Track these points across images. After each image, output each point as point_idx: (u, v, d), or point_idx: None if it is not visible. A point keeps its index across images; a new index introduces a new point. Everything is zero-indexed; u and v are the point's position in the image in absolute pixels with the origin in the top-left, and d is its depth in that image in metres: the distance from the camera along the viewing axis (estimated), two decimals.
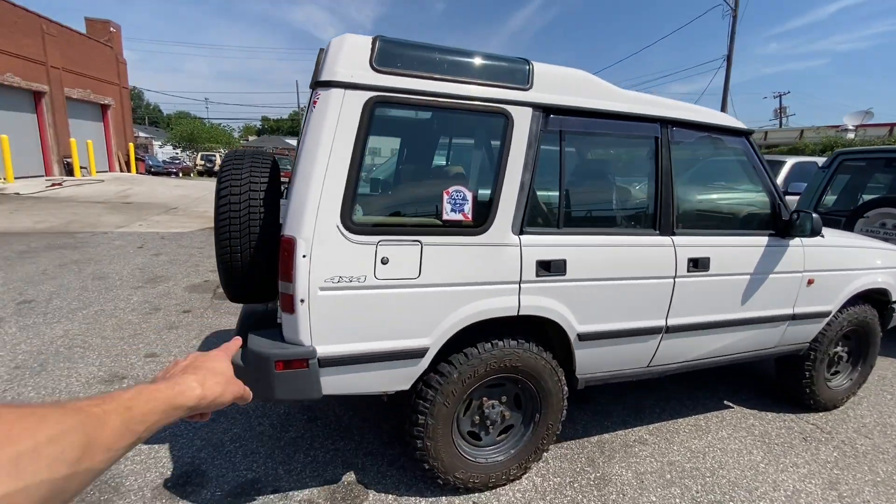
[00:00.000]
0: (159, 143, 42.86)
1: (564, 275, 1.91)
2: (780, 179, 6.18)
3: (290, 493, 2.01)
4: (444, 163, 2.24)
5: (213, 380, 0.50)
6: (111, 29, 18.99)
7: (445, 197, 1.70)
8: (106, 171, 18.23)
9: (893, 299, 2.92)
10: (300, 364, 1.58)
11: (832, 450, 2.54)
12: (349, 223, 1.58)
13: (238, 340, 0.66)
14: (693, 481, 2.22)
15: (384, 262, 1.62)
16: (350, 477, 2.13)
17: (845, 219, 4.40)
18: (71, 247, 6.54)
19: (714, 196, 2.82)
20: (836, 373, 2.97)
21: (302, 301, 1.54)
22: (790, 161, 6.33)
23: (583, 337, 2.02)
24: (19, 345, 3.32)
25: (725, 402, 3.02)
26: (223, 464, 2.18)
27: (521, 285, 1.84)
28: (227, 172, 1.78)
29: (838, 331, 2.75)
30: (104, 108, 18.73)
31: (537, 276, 1.86)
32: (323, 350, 1.61)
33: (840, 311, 2.72)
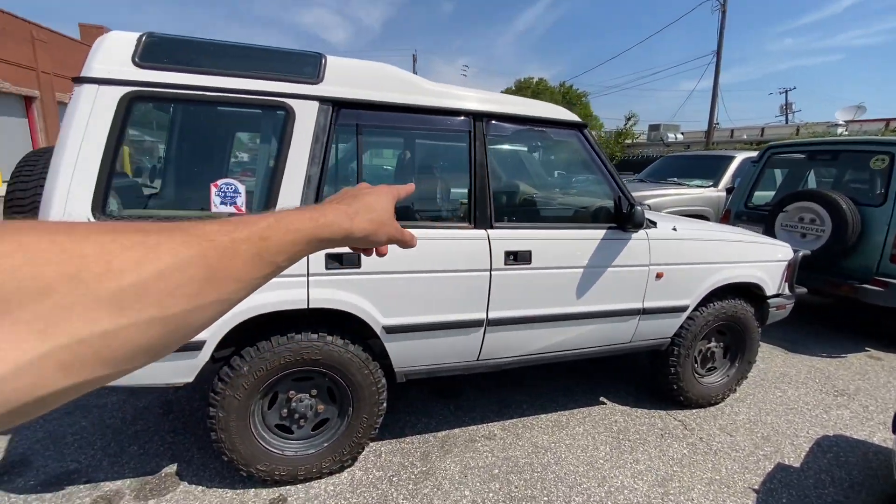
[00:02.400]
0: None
1: (359, 267, 1.91)
2: (728, 175, 6.09)
3: (102, 483, 2.04)
4: (224, 157, 2.26)
5: (367, 216, 0.45)
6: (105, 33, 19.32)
7: (214, 190, 1.72)
8: None
9: (769, 294, 2.86)
10: None
11: (684, 447, 2.50)
12: (102, 215, 1.60)
13: (411, 186, 0.57)
14: (518, 476, 2.20)
15: None
16: (171, 469, 2.16)
17: (768, 213, 4.33)
18: None
19: (545, 190, 2.79)
20: (713, 369, 2.93)
21: None
22: (739, 157, 6.23)
23: (391, 330, 2.02)
24: None
25: (601, 398, 2.99)
26: (53, 455, 2.22)
27: (310, 278, 1.85)
28: (21, 169, 1.83)
29: (703, 325, 2.70)
30: None
31: (328, 268, 1.87)
32: None
33: (703, 305, 2.68)
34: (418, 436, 2.49)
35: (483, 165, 2.10)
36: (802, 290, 3.12)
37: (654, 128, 30.98)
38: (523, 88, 40.77)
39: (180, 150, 1.95)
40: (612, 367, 3.40)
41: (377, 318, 1.98)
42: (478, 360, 2.27)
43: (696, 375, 2.84)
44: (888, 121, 16.88)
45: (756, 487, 2.20)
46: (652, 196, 5.62)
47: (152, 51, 1.67)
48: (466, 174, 2.10)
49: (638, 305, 2.47)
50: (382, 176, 2.33)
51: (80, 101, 1.58)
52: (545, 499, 2.06)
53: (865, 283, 3.70)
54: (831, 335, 4.32)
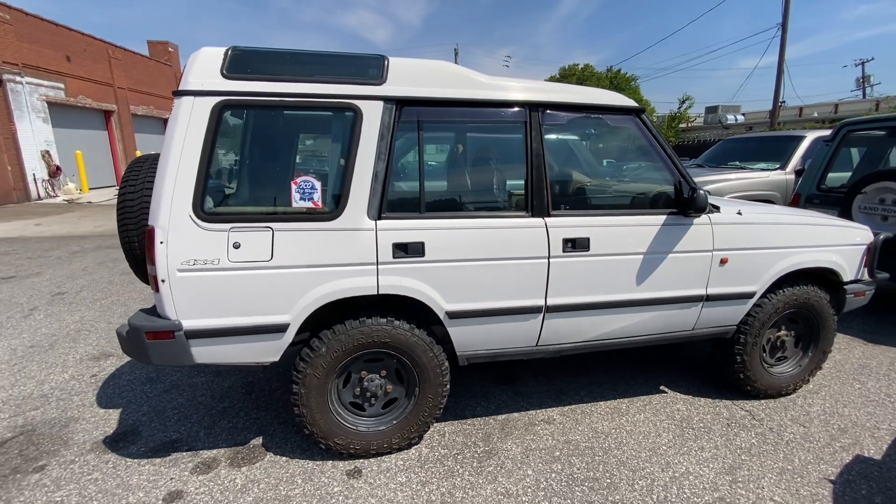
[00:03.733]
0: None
1: (423, 256, 2.02)
2: (797, 157, 5.70)
3: (201, 451, 2.30)
4: (302, 156, 2.41)
5: None
6: (169, 49, 20.84)
7: (294, 187, 1.89)
8: None
9: (845, 280, 2.71)
10: (167, 335, 1.84)
11: (753, 436, 2.44)
12: (201, 213, 1.81)
13: None
14: (580, 459, 2.25)
15: (236, 246, 1.84)
16: (257, 441, 2.38)
17: (844, 195, 4.05)
18: (116, 247, 7.43)
19: (599, 177, 2.76)
20: (783, 358, 2.81)
21: (163, 281, 1.80)
22: (810, 136, 5.80)
23: (453, 315, 2.12)
24: (41, 328, 3.93)
25: (662, 387, 2.95)
26: (158, 426, 2.51)
27: (379, 266, 1.99)
28: (128, 175, 2.09)
29: (773, 313, 2.61)
30: (165, 122, 20.67)
31: (394, 257, 2.00)
32: (189, 324, 1.86)
33: (771, 291, 2.58)
34: (479, 418, 2.59)
35: (539, 155, 2.15)
36: (884, 275, 2.92)
37: (711, 110, 29.25)
38: (568, 76, 39.64)
39: (262, 153, 2.14)
40: (673, 356, 3.34)
41: (440, 303, 2.09)
42: (537, 345, 2.33)
43: (765, 365, 2.74)
44: None
45: (832, 478, 2.12)
46: (711, 182, 5.37)
47: (237, 63, 1.85)
48: (523, 164, 2.15)
49: (701, 292, 2.43)
50: (443, 168, 2.43)
51: (179, 112, 1.79)
52: (608, 481, 2.10)
53: None
54: None
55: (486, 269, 2.10)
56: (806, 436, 2.44)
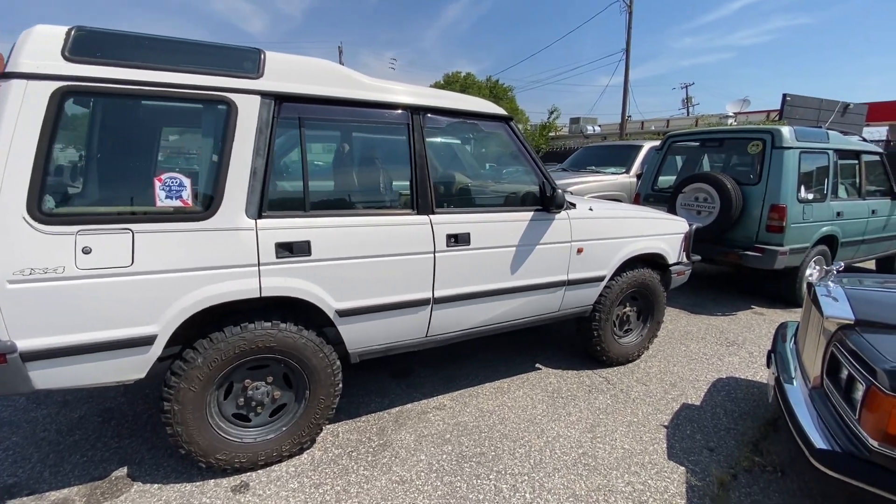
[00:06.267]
0: None
1: (309, 255, 2.00)
2: (637, 163, 6.76)
3: (47, 493, 1.97)
4: (166, 151, 2.26)
5: None
6: None
7: (158, 184, 1.73)
8: None
9: (670, 262, 3.32)
10: None
11: (608, 398, 2.87)
12: (38, 214, 1.57)
13: None
14: (468, 438, 2.42)
15: (86, 251, 1.63)
16: (121, 472, 2.12)
17: (671, 195, 4.92)
18: None
19: (479, 179, 3.06)
20: (629, 330, 3.35)
21: None
22: (646, 146, 6.93)
23: (343, 313, 2.13)
24: None
25: (537, 364, 3.30)
26: None
27: (261, 268, 1.92)
28: None
29: (619, 292, 3.09)
30: None
31: (278, 257, 1.95)
32: (25, 344, 1.59)
33: (617, 275, 3.06)
34: (373, 414, 2.63)
35: (422, 155, 2.27)
36: (697, 257, 3.64)
37: (574, 121, 32.87)
38: (452, 83, 41.25)
39: (117, 147, 1.91)
40: (545, 336, 3.75)
41: (330, 302, 2.08)
42: (426, 336, 2.45)
43: (616, 337, 3.24)
44: (768, 112, 19.33)
45: (666, 424, 2.60)
46: (574, 183, 6.11)
47: (83, 44, 1.64)
48: (408, 164, 2.25)
49: (563, 278, 2.79)
50: (329, 167, 2.42)
51: (8, 97, 1.53)
52: (493, 453, 2.30)
53: (748, 251, 4.37)
54: (724, 297, 5.04)
55: (375, 266, 2.16)
56: (647, 392, 2.95)
